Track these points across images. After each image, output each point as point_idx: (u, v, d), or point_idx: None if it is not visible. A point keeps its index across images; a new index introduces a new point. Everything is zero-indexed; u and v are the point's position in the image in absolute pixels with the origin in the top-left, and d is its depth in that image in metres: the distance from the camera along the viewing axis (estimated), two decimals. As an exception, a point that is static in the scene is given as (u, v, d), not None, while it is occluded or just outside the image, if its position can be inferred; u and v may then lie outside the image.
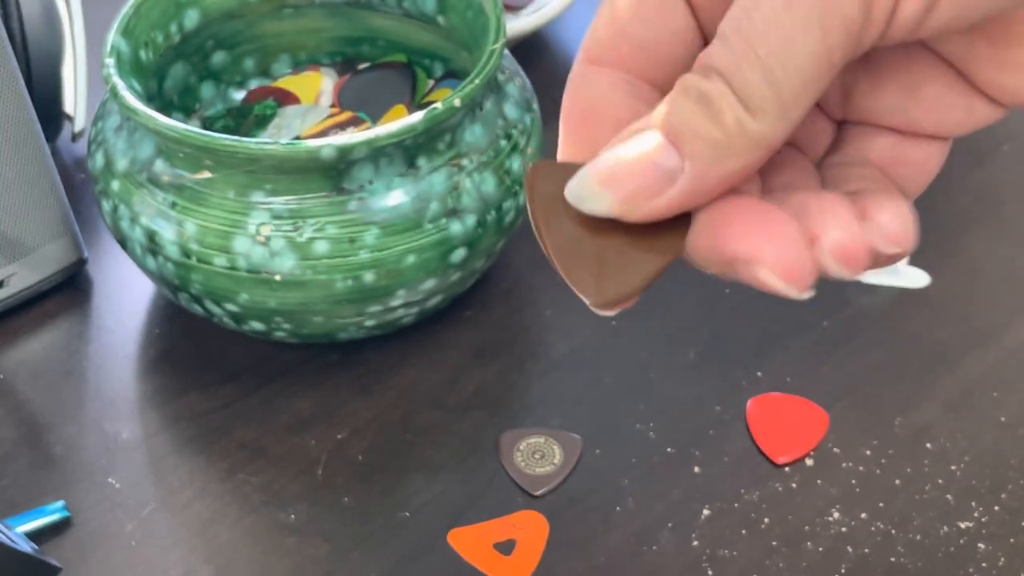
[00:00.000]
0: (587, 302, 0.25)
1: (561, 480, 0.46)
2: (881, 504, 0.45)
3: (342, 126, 0.54)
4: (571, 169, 0.25)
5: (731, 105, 0.22)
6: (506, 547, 0.44)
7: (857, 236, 0.24)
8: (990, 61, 0.24)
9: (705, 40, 0.26)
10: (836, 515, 0.45)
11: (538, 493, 0.45)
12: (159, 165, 0.45)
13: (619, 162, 0.24)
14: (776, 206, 0.24)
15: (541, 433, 0.47)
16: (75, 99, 0.59)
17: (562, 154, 0.27)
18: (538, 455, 0.47)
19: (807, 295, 0.24)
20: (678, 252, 0.24)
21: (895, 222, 0.25)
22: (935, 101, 0.26)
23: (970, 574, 0.43)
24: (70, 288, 0.55)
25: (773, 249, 0.23)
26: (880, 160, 0.27)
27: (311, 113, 0.55)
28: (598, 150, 0.25)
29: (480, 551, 0.44)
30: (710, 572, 0.43)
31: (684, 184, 0.23)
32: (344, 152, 0.42)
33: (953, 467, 0.46)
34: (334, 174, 0.43)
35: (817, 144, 0.28)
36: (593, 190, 0.24)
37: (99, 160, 0.47)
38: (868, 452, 0.47)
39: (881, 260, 0.25)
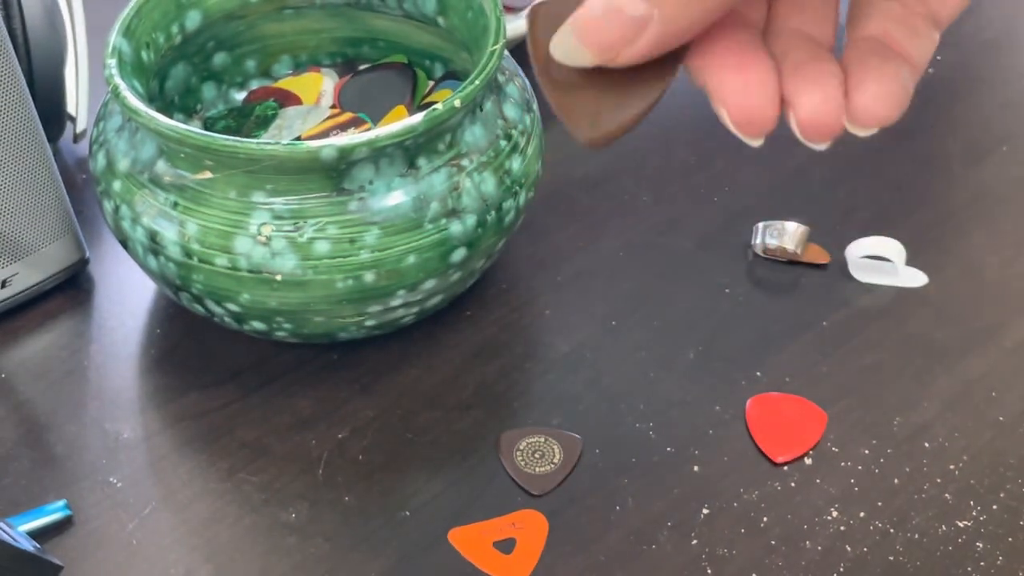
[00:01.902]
0: (581, 138, 0.27)
1: (561, 479, 0.46)
2: (880, 503, 0.45)
3: (343, 127, 0.54)
4: (570, 9, 0.25)
5: None
6: (506, 546, 0.44)
7: (831, 108, 0.25)
8: None
9: None
10: (835, 514, 0.45)
11: (538, 493, 0.46)
12: (160, 165, 0.45)
13: (592, 16, 0.25)
14: (758, 54, 0.25)
15: (541, 433, 0.48)
16: (77, 100, 0.59)
17: None
18: (538, 455, 0.47)
19: (756, 143, 0.26)
20: (663, 88, 0.26)
21: (876, 98, 0.25)
22: None
23: (968, 573, 0.43)
24: (72, 288, 0.56)
25: (734, 94, 0.25)
26: None
27: (312, 114, 0.55)
28: None
29: (480, 550, 0.44)
30: (709, 571, 0.43)
31: (654, 30, 0.24)
32: (345, 153, 0.42)
33: (952, 466, 0.47)
34: (335, 175, 0.43)
35: None
36: (574, 45, 0.26)
37: (101, 160, 0.48)
38: (867, 451, 0.47)
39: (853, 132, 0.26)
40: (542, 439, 0.47)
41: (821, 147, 0.26)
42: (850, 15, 0.28)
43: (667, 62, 0.26)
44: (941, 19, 0.27)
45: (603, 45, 0.25)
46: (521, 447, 0.47)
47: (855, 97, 0.26)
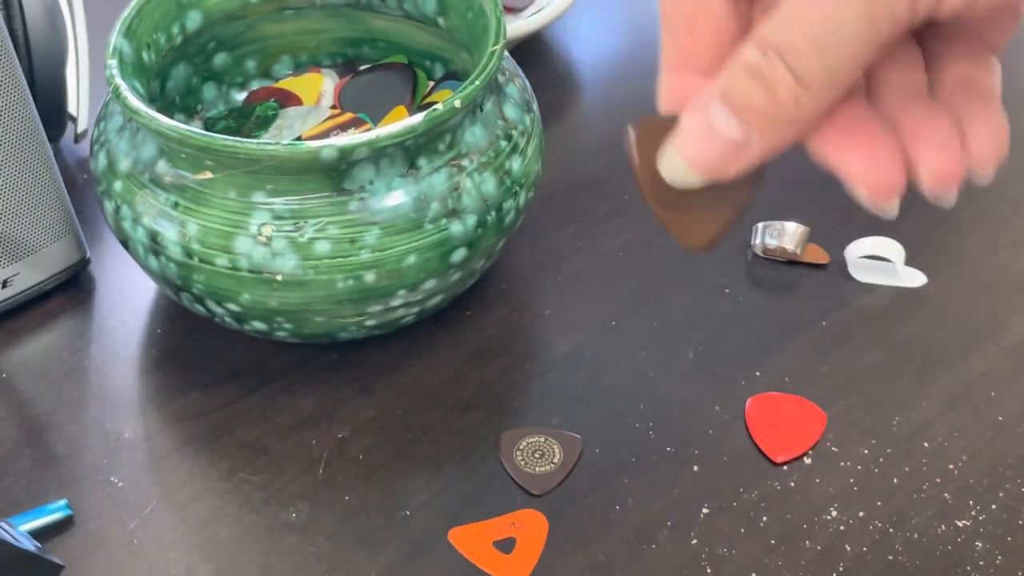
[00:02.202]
0: (690, 246, 0.30)
1: (561, 479, 0.46)
2: (879, 503, 0.45)
3: (343, 127, 0.54)
4: (668, 124, 0.28)
5: (785, 81, 0.25)
6: (506, 545, 0.44)
7: (955, 163, 0.27)
8: None
9: None
10: (834, 513, 0.45)
11: (538, 492, 0.46)
12: (161, 166, 0.45)
13: (695, 141, 0.28)
14: (874, 125, 0.27)
15: (541, 432, 0.48)
16: (78, 100, 0.59)
17: (664, 58, 0.31)
18: (538, 454, 0.47)
19: (893, 210, 0.27)
20: (760, 184, 0.29)
21: (990, 143, 0.28)
22: None
23: (968, 572, 0.43)
24: (73, 288, 0.56)
25: (866, 174, 0.27)
26: (973, 23, 0.28)
27: (312, 114, 0.55)
28: (697, 57, 0.29)
29: (480, 549, 0.44)
30: (709, 570, 0.43)
31: (755, 151, 0.27)
32: (345, 153, 0.42)
33: (951, 466, 0.47)
34: (335, 175, 0.43)
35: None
36: (684, 170, 0.28)
37: (102, 161, 0.48)
38: (866, 451, 0.47)
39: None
40: (542, 439, 0.47)
41: (949, 202, 0.28)
42: (926, 57, 0.29)
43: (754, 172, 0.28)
44: (996, 46, 0.29)
45: (711, 169, 0.28)
46: (521, 447, 0.47)
47: (973, 147, 0.27)
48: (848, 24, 0.24)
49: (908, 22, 0.24)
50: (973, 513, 0.45)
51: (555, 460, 0.47)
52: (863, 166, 0.27)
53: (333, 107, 0.56)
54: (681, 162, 0.29)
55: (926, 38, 0.29)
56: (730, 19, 0.29)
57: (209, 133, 0.43)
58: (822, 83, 0.25)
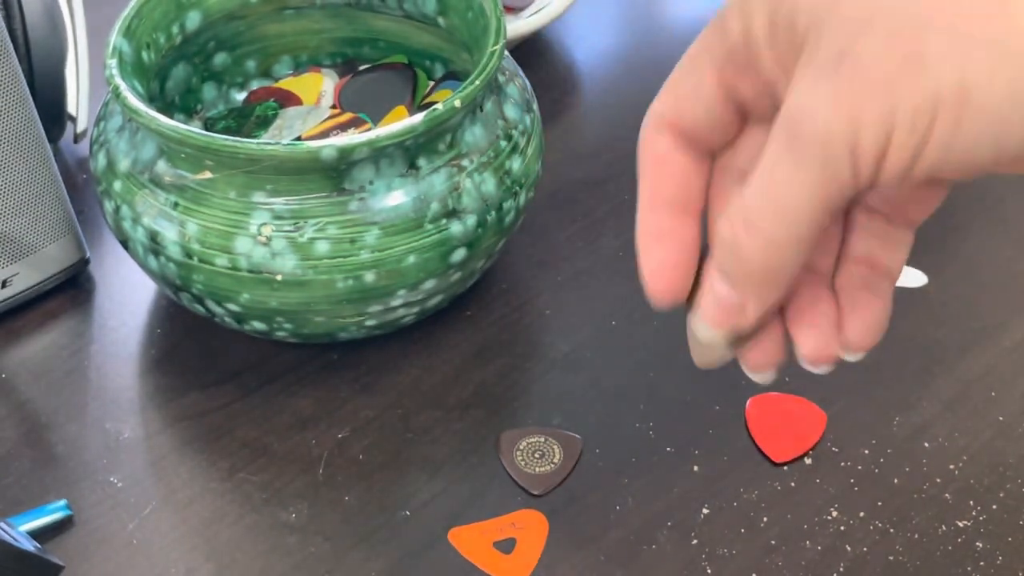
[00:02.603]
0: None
1: (561, 479, 0.46)
2: (879, 503, 0.45)
3: (343, 127, 0.54)
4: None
5: (753, 249, 0.30)
6: (506, 546, 0.44)
7: (827, 349, 0.33)
8: None
9: (746, 117, 0.33)
10: (835, 514, 0.45)
11: (538, 492, 0.46)
12: (161, 166, 0.45)
13: (714, 309, 0.33)
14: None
15: (541, 433, 0.48)
16: (77, 100, 0.59)
17: (642, 197, 0.35)
18: (538, 454, 0.47)
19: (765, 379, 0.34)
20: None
21: (863, 334, 0.33)
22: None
23: (968, 572, 0.43)
24: (72, 288, 0.56)
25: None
26: (898, 198, 0.32)
27: (312, 114, 0.55)
28: (666, 194, 0.34)
29: (480, 550, 0.44)
30: (709, 571, 0.43)
31: (752, 310, 0.32)
32: (345, 153, 0.42)
33: (951, 466, 0.47)
34: (335, 175, 0.43)
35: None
36: (711, 336, 0.34)
37: (101, 161, 0.48)
38: (866, 451, 0.47)
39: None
40: (542, 439, 0.47)
41: (823, 371, 0.33)
42: (845, 223, 0.33)
43: None
44: (917, 221, 0.33)
45: (729, 328, 0.33)
46: (521, 447, 0.47)
47: (846, 331, 0.33)
48: (804, 195, 0.29)
49: (856, 188, 0.28)
50: (973, 513, 0.45)
51: (555, 460, 0.47)
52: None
53: (333, 107, 0.56)
54: (702, 324, 0.34)
55: (851, 208, 0.33)
56: (693, 165, 0.34)
57: (209, 133, 0.43)
58: (788, 244, 0.30)
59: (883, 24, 0.27)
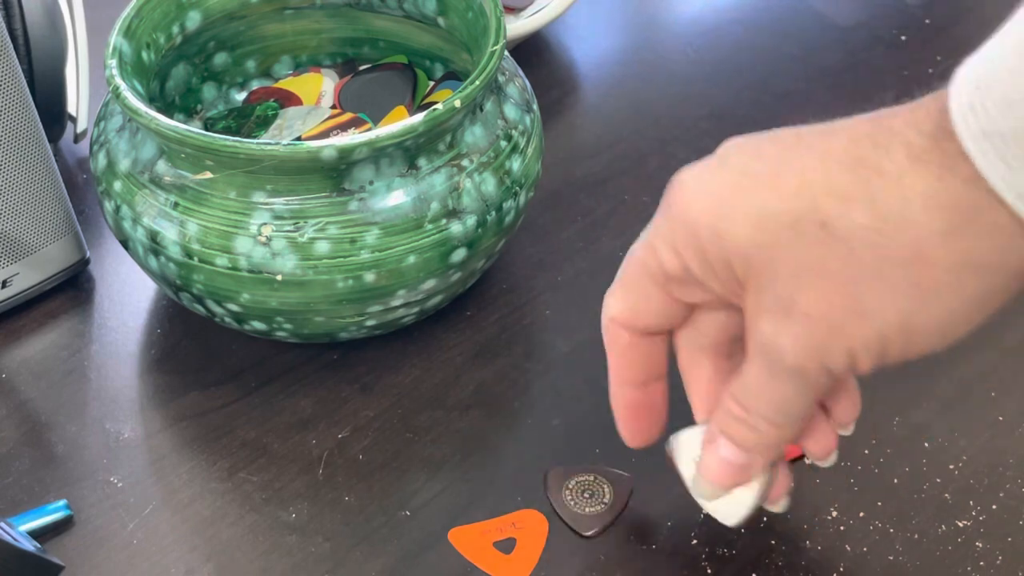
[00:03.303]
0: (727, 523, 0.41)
1: (611, 520, 0.45)
2: (879, 503, 0.45)
3: (343, 127, 0.54)
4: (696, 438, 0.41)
5: (765, 428, 0.36)
6: (506, 545, 0.44)
7: (829, 445, 0.41)
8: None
9: (691, 307, 0.39)
10: (834, 514, 0.45)
11: (588, 534, 0.44)
12: (161, 166, 0.45)
13: (718, 469, 0.39)
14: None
15: (590, 471, 0.46)
16: (77, 100, 0.59)
17: (612, 375, 0.41)
18: (587, 494, 0.46)
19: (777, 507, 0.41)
20: (769, 481, 0.40)
21: (849, 412, 0.40)
22: None
23: (968, 572, 0.43)
24: (72, 288, 0.56)
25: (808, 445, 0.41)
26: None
27: (312, 114, 0.55)
28: (632, 373, 0.40)
29: (480, 549, 0.44)
30: (709, 571, 0.43)
31: (757, 468, 0.38)
32: (345, 153, 0.42)
33: (951, 466, 0.47)
34: (335, 175, 0.43)
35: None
36: (712, 490, 0.39)
37: (101, 161, 0.48)
38: (866, 451, 0.47)
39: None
40: (591, 477, 0.46)
41: (831, 463, 0.41)
42: None
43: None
44: (846, 423, 0.41)
45: (730, 484, 0.39)
46: (570, 486, 0.46)
47: (835, 415, 0.41)
48: (795, 399, 0.35)
49: (839, 372, 0.34)
50: (973, 513, 0.45)
51: (605, 500, 0.45)
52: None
53: (333, 107, 0.56)
54: (708, 484, 0.39)
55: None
56: (654, 346, 0.40)
57: (209, 133, 0.43)
58: (791, 424, 0.37)
59: (815, 282, 0.32)
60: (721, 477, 0.39)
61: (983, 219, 0.30)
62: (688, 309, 0.39)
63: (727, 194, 0.34)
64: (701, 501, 0.40)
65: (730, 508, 0.40)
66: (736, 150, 0.35)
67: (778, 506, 0.41)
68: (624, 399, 0.42)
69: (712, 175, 0.35)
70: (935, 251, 0.31)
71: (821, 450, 0.41)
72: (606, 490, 0.46)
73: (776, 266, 0.33)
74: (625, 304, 0.39)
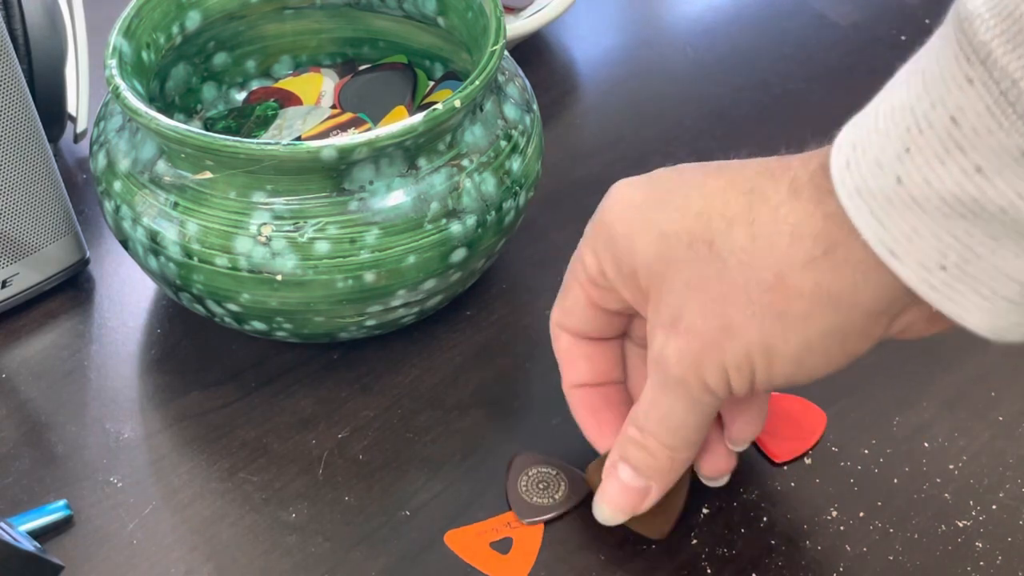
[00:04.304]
0: (648, 535, 0.44)
1: (553, 516, 0.45)
2: (879, 503, 0.45)
3: (343, 127, 0.54)
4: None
5: (659, 449, 0.39)
6: (503, 545, 0.44)
7: (719, 465, 0.43)
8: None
9: (613, 313, 0.42)
10: (834, 514, 0.45)
11: (526, 521, 0.45)
12: (161, 166, 0.45)
13: (614, 495, 0.41)
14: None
15: (555, 466, 0.46)
16: (77, 100, 0.59)
17: (564, 378, 0.44)
18: (542, 485, 0.46)
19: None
20: (687, 485, 0.43)
21: (744, 432, 0.43)
22: None
23: (968, 572, 0.43)
24: (72, 288, 0.56)
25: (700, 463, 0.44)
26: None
27: (312, 114, 0.55)
28: (581, 375, 0.43)
29: (478, 551, 0.44)
30: (709, 571, 0.43)
31: (655, 493, 0.41)
32: (345, 153, 0.42)
33: (951, 466, 0.47)
34: (335, 175, 0.43)
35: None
36: (611, 515, 0.42)
37: (101, 160, 0.48)
38: (866, 451, 0.47)
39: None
40: (553, 471, 0.46)
41: (720, 484, 0.44)
42: None
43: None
44: (738, 441, 0.43)
45: (629, 510, 0.41)
46: (530, 473, 0.46)
47: (729, 432, 0.43)
48: (684, 416, 0.38)
49: (721, 401, 0.37)
50: (973, 513, 0.45)
51: (557, 496, 0.46)
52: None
53: (333, 107, 0.56)
54: (607, 509, 0.42)
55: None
56: (599, 348, 0.43)
57: (209, 133, 0.43)
58: (684, 446, 0.40)
59: (697, 297, 0.35)
60: (620, 502, 0.41)
61: (838, 253, 0.33)
62: (619, 319, 0.42)
63: (644, 209, 0.37)
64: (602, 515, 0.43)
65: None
66: (665, 170, 0.38)
67: (718, 482, 0.44)
68: (576, 399, 0.44)
69: (637, 189, 0.38)
70: (794, 279, 0.33)
71: (711, 469, 0.43)
72: (562, 487, 0.46)
73: (671, 281, 0.36)
74: (561, 308, 0.42)
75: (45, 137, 0.51)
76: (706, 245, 0.35)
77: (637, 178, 0.39)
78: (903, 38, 0.71)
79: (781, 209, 0.34)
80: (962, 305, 0.31)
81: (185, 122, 0.53)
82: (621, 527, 0.43)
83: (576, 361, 0.43)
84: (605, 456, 0.42)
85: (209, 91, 0.57)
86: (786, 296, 0.34)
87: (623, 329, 0.43)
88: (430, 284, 0.46)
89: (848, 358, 0.35)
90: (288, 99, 0.56)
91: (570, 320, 0.42)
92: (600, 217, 0.39)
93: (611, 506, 0.41)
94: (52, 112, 0.57)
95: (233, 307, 0.46)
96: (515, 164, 0.47)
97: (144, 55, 0.49)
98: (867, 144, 0.31)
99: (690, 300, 0.36)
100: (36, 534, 0.44)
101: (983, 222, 0.30)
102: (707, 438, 0.42)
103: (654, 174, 0.39)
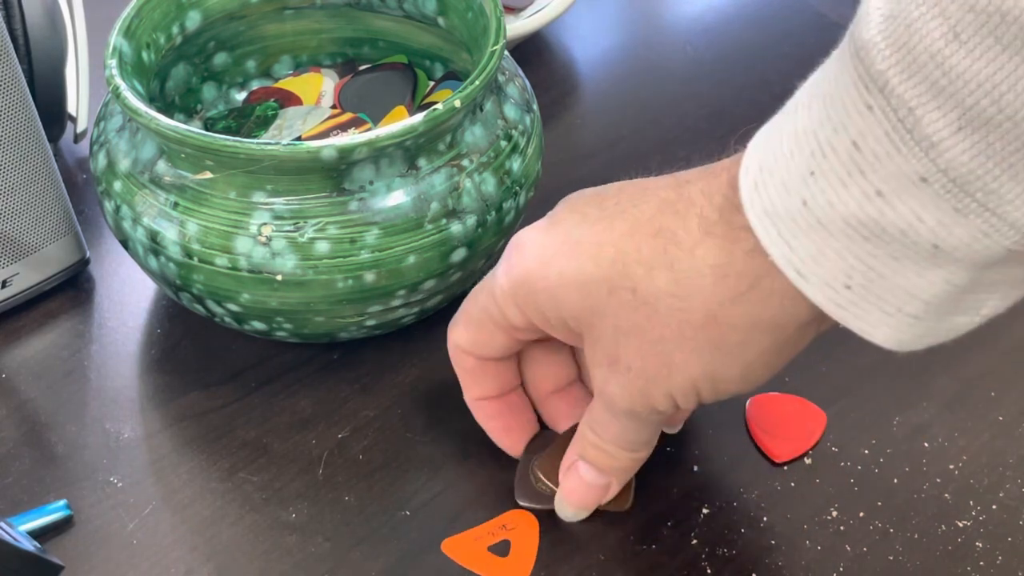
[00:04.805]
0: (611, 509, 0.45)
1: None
2: (879, 503, 0.45)
3: (343, 127, 0.54)
4: (557, 443, 0.46)
5: (618, 453, 0.42)
6: (501, 548, 0.44)
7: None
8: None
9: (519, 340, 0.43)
10: (834, 514, 0.45)
11: (522, 502, 0.45)
12: (161, 166, 0.45)
13: (578, 493, 0.43)
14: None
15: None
16: (77, 100, 0.59)
17: (466, 392, 0.46)
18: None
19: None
20: (630, 491, 0.45)
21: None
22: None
23: (968, 573, 0.43)
24: (72, 288, 0.56)
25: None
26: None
27: (312, 114, 0.55)
28: (484, 388, 0.45)
29: (477, 557, 0.44)
30: (709, 571, 0.43)
31: (615, 486, 0.44)
32: (345, 153, 0.42)
33: (951, 466, 0.47)
34: (335, 175, 0.43)
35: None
36: (576, 513, 0.44)
37: (101, 161, 0.48)
38: (866, 451, 0.47)
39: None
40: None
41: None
42: None
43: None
44: (674, 422, 0.47)
45: (589, 506, 0.44)
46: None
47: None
48: (638, 433, 0.41)
49: (666, 411, 0.39)
50: (973, 513, 0.45)
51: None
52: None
53: (333, 107, 0.56)
54: (570, 508, 0.44)
55: None
56: (500, 365, 0.44)
57: (209, 133, 0.43)
58: (642, 446, 0.42)
59: (631, 342, 0.37)
60: (583, 500, 0.43)
61: (764, 285, 0.34)
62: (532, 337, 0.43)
63: (559, 260, 0.38)
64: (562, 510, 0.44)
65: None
66: (567, 212, 0.39)
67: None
68: (481, 411, 0.46)
69: (545, 239, 0.39)
70: (725, 315, 0.35)
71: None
72: None
73: (602, 327, 0.37)
74: (469, 338, 0.43)
75: (45, 137, 0.51)
76: (629, 292, 0.36)
77: (541, 226, 0.40)
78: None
79: (697, 251, 0.35)
80: (868, 321, 0.33)
81: (185, 122, 0.53)
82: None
83: (482, 379, 0.45)
84: (551, 453, 0.45)
85: (209, 91, 0.57)
86: (720, 331, 0.35)
87: (515, 352, 0.45)
88: (430, 284, 0.46)
89: (788, 360, 0.38)
90: (288, 99, 0.56)
91: (482, 351, 0.43)
92: (515, 274, 0.40)
93: (574, 505, 0.43)
94: (52, 112, 0.57)
95: (233, 307, 0.46)
96: (515, 164, 0.47)
97: (144, 55, 0.49)
98: (774, 166, 0.32)
99: (624, 344, 0.37)
100: (36, 534, 0.44)
101: (884, 243, 0.31)
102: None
103: (556, 219, 0.39)
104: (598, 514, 0.44)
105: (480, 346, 0.43)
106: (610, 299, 0.37)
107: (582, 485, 0.43)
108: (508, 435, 0.46)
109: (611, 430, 0.41)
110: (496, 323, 0.42)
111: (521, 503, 0.45)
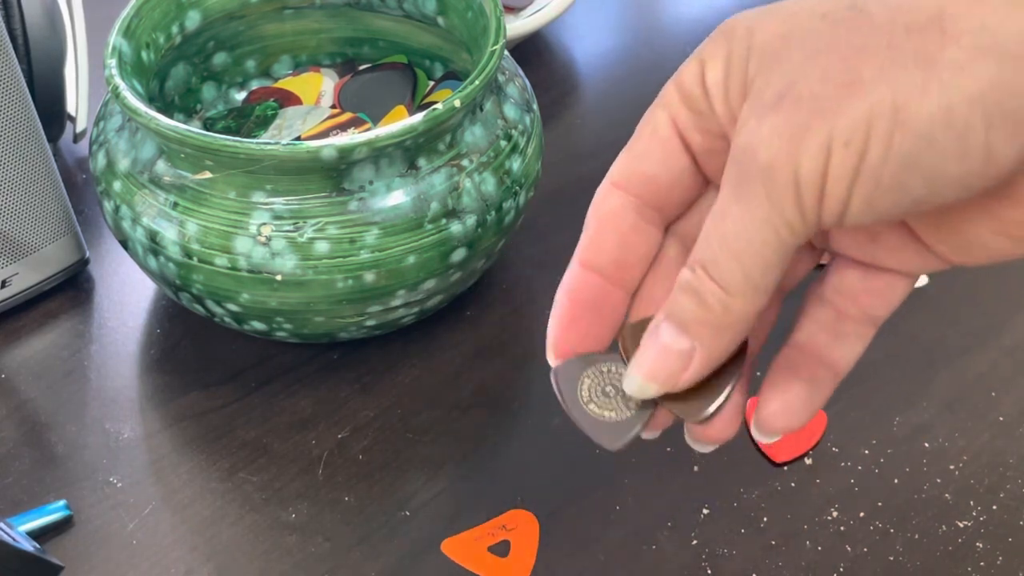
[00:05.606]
0: (692, 421, 0.34)
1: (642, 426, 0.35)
2: (880, 503, 0.45)
3: (343, 127, 0.54)
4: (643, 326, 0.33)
5: (712, 291, 0.30)
6: (501, 549, 0.44)
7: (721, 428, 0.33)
8: (934, 237, 0.30)
9: (704, 178, 0.33)
10: (835, 514, 0.45)
11: (615, 447, 0.35)
12: (160, 166, 0.45)
13: (651, 359, 0.32)
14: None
15: (613, 360, 0.36)
16: (77, 100, 0.59)
17: (578, 252, 0.35)
18: (609, 391, 0.36)
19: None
20: (739, 375, 0.33)
21: (774, 419, 0.33)
22: (893, 248, 0.32)
23: (968, 573, 0.43)
24: (72, 288, 0.56)
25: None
26: (851, 288, 0.33)
27: (312, 114, 0.55)
28: (603, 253, 0.34)
29: (476, 557, 0.44)
30: (709, 571, 0.43)
31: (699, 359, 0.31)
32: (345, 153, 0.42)
33: (951, 466, 0.47)
34: (335, 175, 0.43)
35: (803, 265, 0.35)
36: (643, 385, 0.32)
37: (101, 160, 0.48)
38: (867, 451, 0.47)
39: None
40: (612, 368, 0.36)
41: (707, 450, 0.34)
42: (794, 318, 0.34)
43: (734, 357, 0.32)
44: (878, 317, 0.34)
45: (664, 380, 0.32)
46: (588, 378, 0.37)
47: (759, 411, 0.33)
48: (754, 233, 0.29)
49: (805, 231, 0.28)
50: (973, 513, 0.45)
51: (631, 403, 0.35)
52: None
53: (333, 107, 0.56)
54: (639, 377, 0.33)
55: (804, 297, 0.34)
56: (641, 228, 0.34)
57: (209, 133, 0.43)
58: (744, 289, 0.29)
59: (821, 61, 0.28)
60: (655, 368, 0.32)
61: None
62: (689, 182, 0.34)
63: (774, 6, 0.30)
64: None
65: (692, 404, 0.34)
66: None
67: (704, 447, 0.35)
68: (572, 280, 0.36)
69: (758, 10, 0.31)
70: (956, 17, 0.26)
71: (720, 428, 0.34)
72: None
73: (790, 52, 0.29)
74: (629, 153, 0.35)
75: (45, 137, 0.51)
76: (847, 7, 0.28)
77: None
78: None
79: None
80: None
81: (185, 122, 0.53)
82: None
83: (607, 235, 0.35)
84: (645, 320, 0.34)
85: (209, 91, 0.57)
86: (939, 40, 0.27)
87: (685, 202, 0.34)
88: (430, 284, 0.46)
89: (999, 165, 0.27)
90: (288, 99, 0.56)
91: (639, 165, 0.34)
92: (719, 28, 0.32)
93: (643, 373, 0.32)
94: (52, 112, 0.57)
95: (233, 307, 0.46)
96: (515, 164, 0.47)
97: (144, 55, 0.49)
98: None
99: (810, 65, 0.28)
100: (36, 534, 0.44)
101: None
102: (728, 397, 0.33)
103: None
104: (663, 436, 0.36)
105: (637, 159, 0.34)
106: (820, 22, 0.29)
107: (657, 350, 0.32)
108: (570, 323, 0.36)
109: (720, 227, 0.30)
110: (667, 104, 0.33)
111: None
